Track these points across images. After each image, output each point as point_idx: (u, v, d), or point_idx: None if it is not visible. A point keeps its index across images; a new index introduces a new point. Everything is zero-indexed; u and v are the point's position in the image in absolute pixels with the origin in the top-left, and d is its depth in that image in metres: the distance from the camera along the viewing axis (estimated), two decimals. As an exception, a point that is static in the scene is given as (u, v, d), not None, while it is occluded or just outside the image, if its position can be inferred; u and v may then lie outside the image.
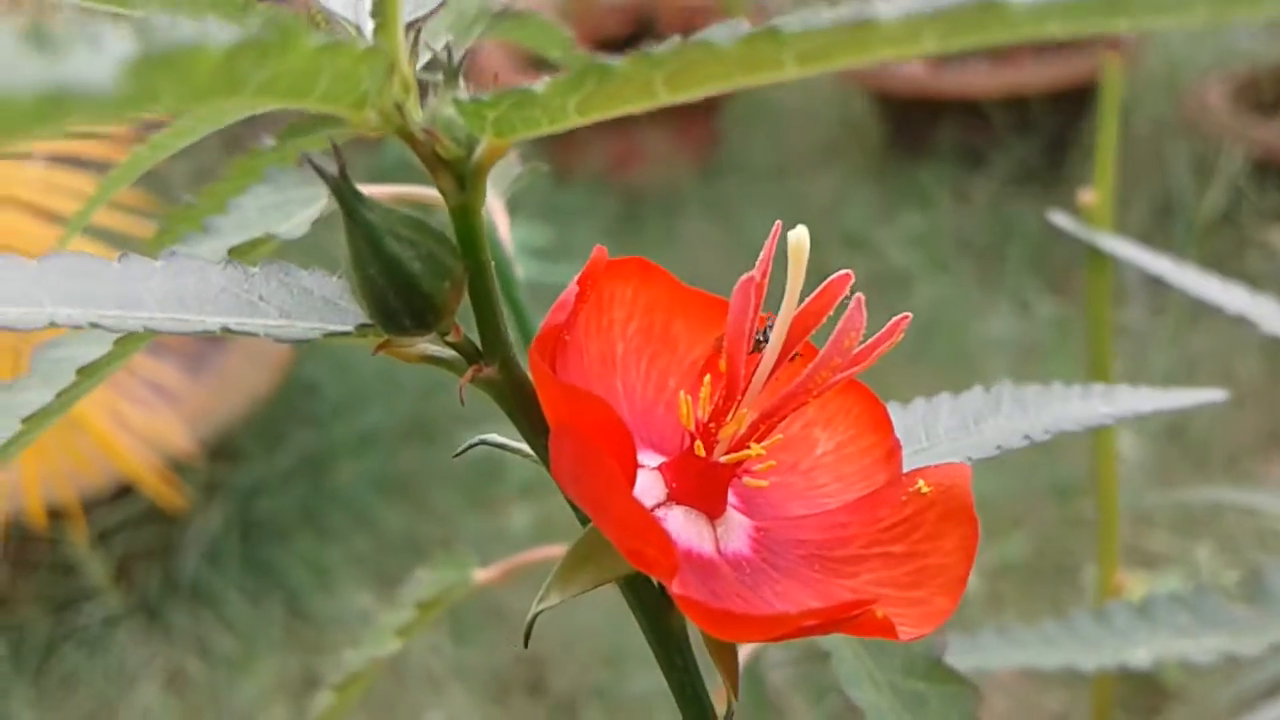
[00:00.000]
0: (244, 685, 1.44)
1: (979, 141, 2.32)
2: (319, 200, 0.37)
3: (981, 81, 2.33)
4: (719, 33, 0.14)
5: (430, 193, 0.40)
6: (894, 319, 0.23)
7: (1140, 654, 0.43)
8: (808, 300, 0.24)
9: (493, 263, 0.36)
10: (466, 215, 0.21)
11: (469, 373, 0.22)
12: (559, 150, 2.52)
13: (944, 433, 0.29)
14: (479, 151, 0.20)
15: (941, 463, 0.24)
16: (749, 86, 0.16)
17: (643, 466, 0.25)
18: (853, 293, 0.23)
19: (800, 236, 0.22)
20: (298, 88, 0.15)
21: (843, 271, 0.24)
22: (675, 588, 0.20)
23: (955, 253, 2.18)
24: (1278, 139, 2.08)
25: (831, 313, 0.24)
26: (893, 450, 0.26)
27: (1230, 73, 2.31)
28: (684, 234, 2.30)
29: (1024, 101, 2.26)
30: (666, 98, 0.16)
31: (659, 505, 0.24)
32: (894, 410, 0.30)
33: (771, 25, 0.14)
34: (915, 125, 2.41)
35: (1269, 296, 0.54)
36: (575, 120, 0.17)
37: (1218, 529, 1.60)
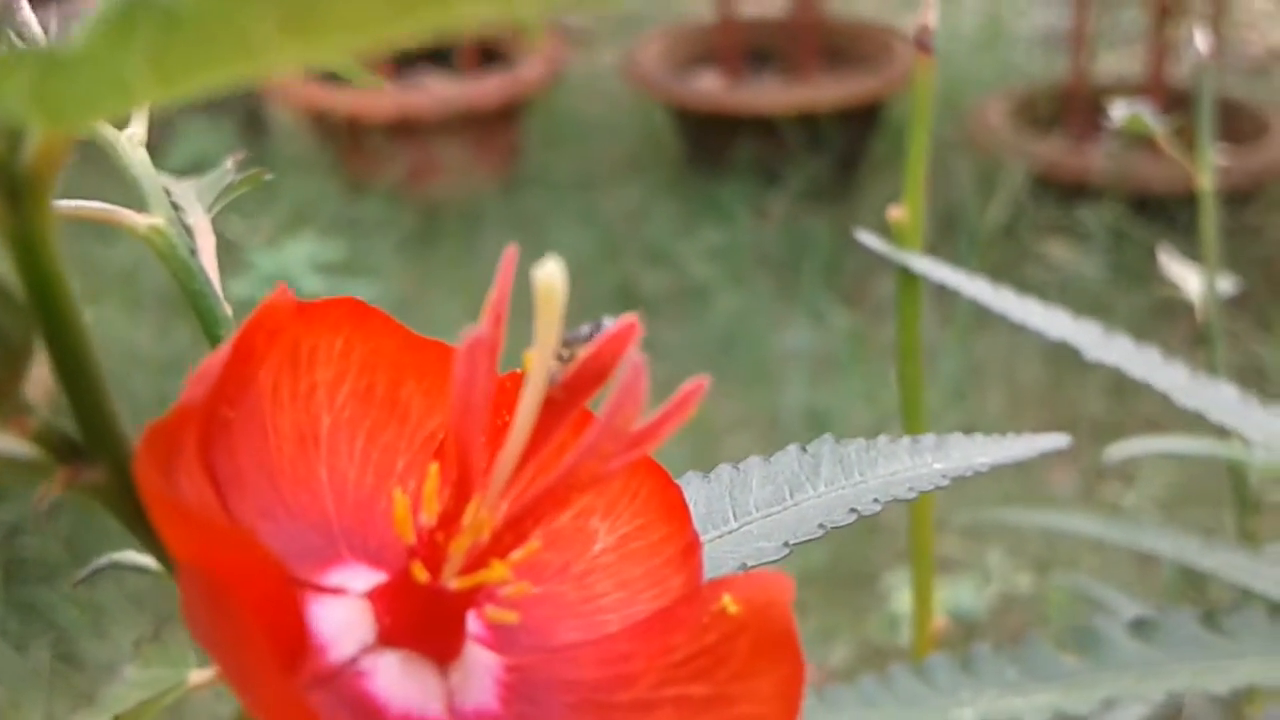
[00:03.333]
0: (10, 737, 1.31)
1: (774, 158, 2.34)
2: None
3: (774, 98, 2.36)
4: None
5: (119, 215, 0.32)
6: (684, 389, 0.17)
7: (966, 714, 0.39)
8: (578, 358, 0.17)
9: (204, 299, 0.28)
10: (30, 249, 0.13)
11: (59, 478, 0.15)
12: (352, 160, 2.42)
13: (755, 508, 0.24)
14: (30, 148, 0.12)
15: (753, 568, 0.18)
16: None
17: (345, 593, 0.17)
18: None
19: (550, 277, 0.15)
20: None
21: (626, 320, 0.17)
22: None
23: (753, 266, 2.19)
24: (1055, 155, 2.18)
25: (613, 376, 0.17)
26: (689, 548, 0.20)
27: (1009, 91, 2.41)
28: (485, 248, 2.23)
29: (815, 119, 2.30)
30: (285, 56, 0.09)
31: (364, 651, 0.17)
32: (695, 482, 0.24)
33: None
34: (713, 141, 2.42)
35: (1049, 305, 0.53)
36: (156, 93, 0.11)
37: (1008, 533, 1.64)
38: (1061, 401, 1.91)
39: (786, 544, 0.22)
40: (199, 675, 0.37)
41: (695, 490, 0.24)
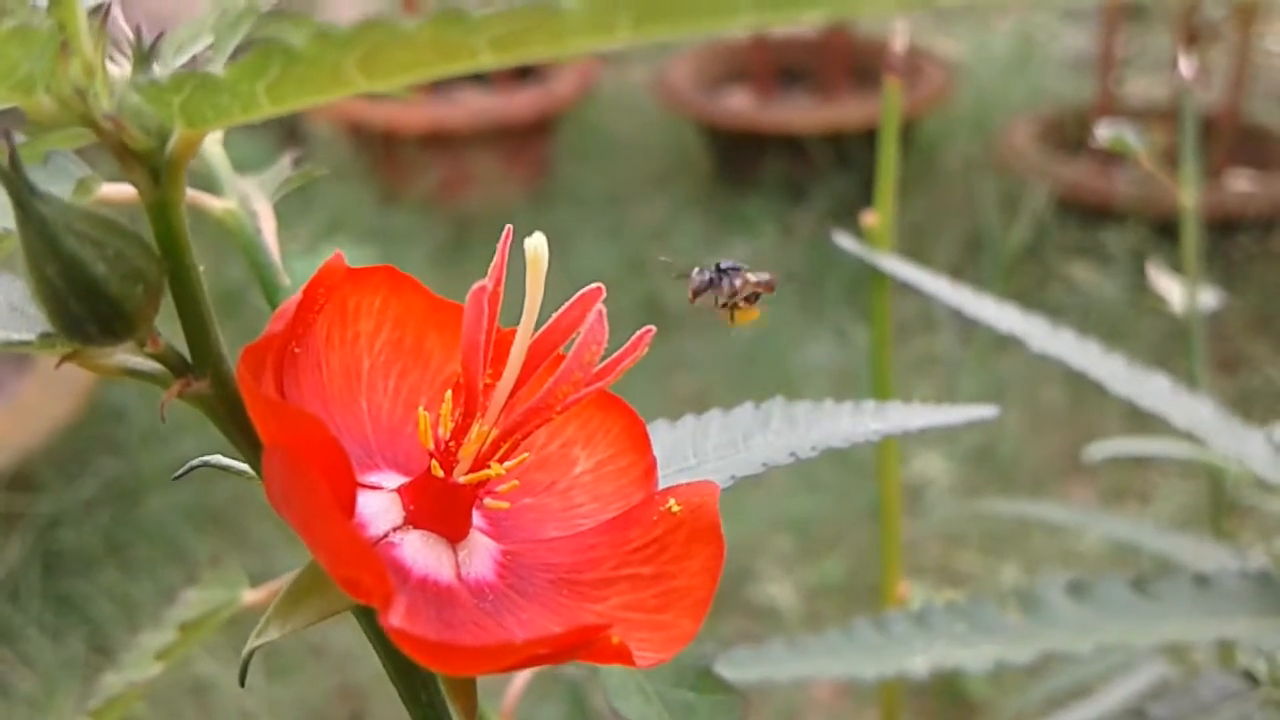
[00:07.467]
0: (46, 725, 1.36)
1: (801, 176, 2.39)
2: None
3: (803, 117, 2.40)
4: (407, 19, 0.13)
5: (200, 198, 0.37)
6: (638, 333, 0.22)
7: (918, 662, 0.43)
8: (558, 315, 0.23)
9: (267, 270, 0.33)
10: (165, 213, 0.19)
11: (175, 387, 0.20)
12: (387, 171, 2.48)
13: (712, 450, 0.29)
14: (173, 143, 0.18)
15: (695, 481, 0.24)
16: (443, 74, 0.15)
17: (380, 489, 0.23)
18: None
19: (537, 245, 0.21)
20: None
21: (593, 285, 0.23)
22: (391, 619, 0.18)
23: (778, 282, 2.23)
24: (1080, 177, 2.20)
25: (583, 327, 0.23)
26: (650, 469, 0.26)
27: (1037, 113, 2.44)
28: (513, 259, 2.27)
29: (843, 138, 2.34)
30: (365, 84, 0.15)
31: (395, 529, 0.22)
32: (663, 428, 0.30)
33: (458, 10, 0.13)
34: (742, 158, 2.46)
35: (1042, 320, 0.56)
36: (270, 109, 0.16)
37: (1023, 549, 1.67)
38: (1080, 422, 1.92)
39: (733, 477, 0.27)
40: (251, 595, 0.42)
41: (664, 435, 0.29)
